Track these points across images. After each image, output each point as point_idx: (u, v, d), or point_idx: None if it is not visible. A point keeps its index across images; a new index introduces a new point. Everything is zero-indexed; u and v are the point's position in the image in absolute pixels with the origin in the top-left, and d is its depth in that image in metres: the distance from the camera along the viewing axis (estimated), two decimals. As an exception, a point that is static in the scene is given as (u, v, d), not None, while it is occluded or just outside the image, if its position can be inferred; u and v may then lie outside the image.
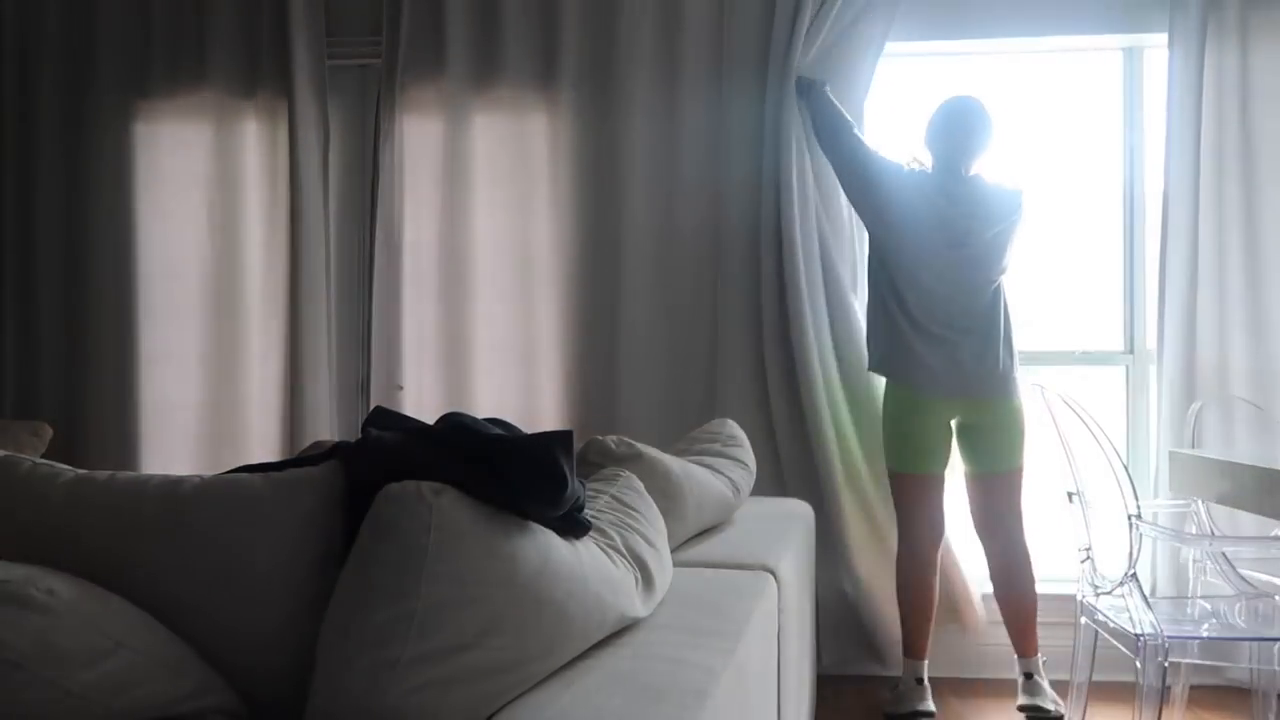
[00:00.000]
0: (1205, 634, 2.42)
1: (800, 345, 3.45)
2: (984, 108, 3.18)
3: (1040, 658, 3.08)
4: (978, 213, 3.11)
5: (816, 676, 3.28)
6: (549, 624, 1.22)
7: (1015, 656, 3.09)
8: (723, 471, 2.57)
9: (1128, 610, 2.40)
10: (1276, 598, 2.61)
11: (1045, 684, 3.05)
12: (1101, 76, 3.72)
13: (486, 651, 1.12)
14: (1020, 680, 3.07)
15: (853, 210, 3.38)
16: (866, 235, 3.30)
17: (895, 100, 3.73)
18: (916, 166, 3.23)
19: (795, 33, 3.43)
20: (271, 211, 3.76)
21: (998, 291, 3.13)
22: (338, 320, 3.80)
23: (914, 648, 3.14)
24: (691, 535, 2.31)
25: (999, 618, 3.19)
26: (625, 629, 1.49)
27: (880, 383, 3.30)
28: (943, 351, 3.06)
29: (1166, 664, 2.29)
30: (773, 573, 2.06)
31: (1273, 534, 2.84)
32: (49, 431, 3.52)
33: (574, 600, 1.27)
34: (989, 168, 3.24)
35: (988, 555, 3.13)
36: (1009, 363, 3.08)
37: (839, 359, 3.45)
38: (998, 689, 3.40)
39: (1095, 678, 2.69)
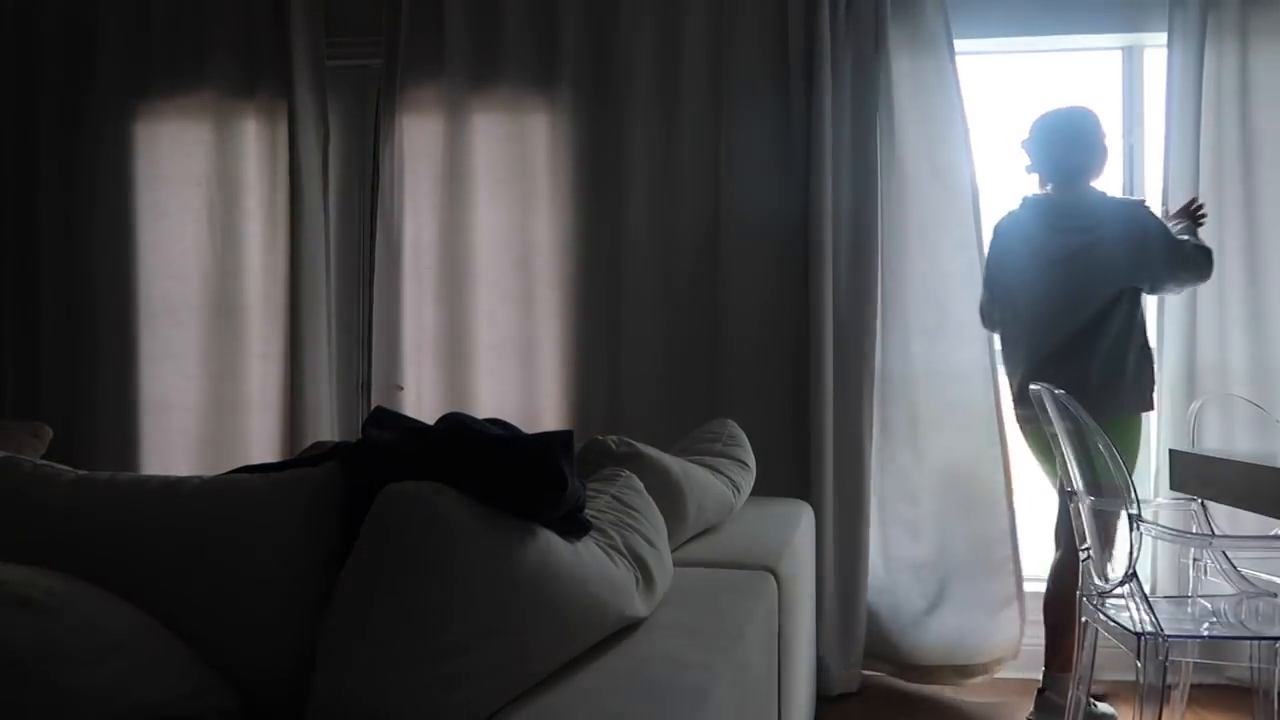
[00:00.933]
0: (1205, 633, 2.42)
1: (802, 345, 3.45)
2: (1082, 119, 3.09)
3: (1074, 675, 2.83)
4: (1086, 226, 3.01)
5: (817, 679, 3.29)
6: (549, 624, 1.22)
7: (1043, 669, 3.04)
8: (723, 471, 2.57)
9: (1128, 609, 2.39)
10: (1277, 597, 2.61)
11: (1063, 704, 2.87)
12: (1101, 76, 3.71)
13: (486, 651, 1.12)
14: (1035, 694, 3.03)
15: (879, 211, 3.43)
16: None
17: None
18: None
19: (819, 32, 3.41)
20: (271, 211, 3.75)
21: (1112, 305, 2.98)
22: (338, 320, 3.80)
23: (1055, 660, 3.01)
24: (691, 535, 2.31)
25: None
26: (625, 629, 1.49)
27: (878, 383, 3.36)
28: (1049, 366, 2.99)
29: (1167, 663, 2.29)
30: (773, 572, 2.06)
31: (1273, 533, 2.84)
32: (49, 432, 3.52)
33: (574, 600, 1.27)
34: (1103, 181, 3.12)
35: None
36: (1112, 376, 2.95)
37: (840, 358, 3.45)
38: (1003, 688, 3.40)
39: (1095, 677, 2.69)
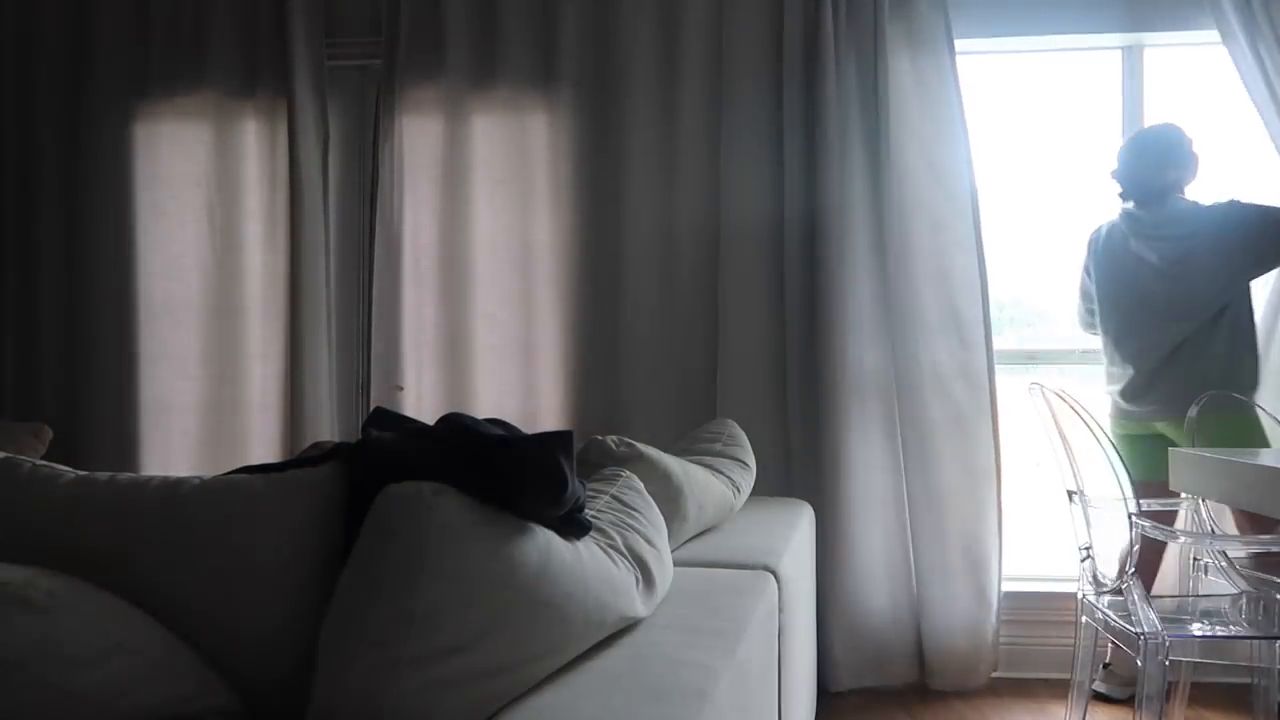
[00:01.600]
0: (1206, 633, 2.42)
1: (801, 344, 3.45)
2: (1166, 136, 3.14)
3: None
4: (1183, 234, 3.06)
5: (818, 680, 3.28)
6: (549, 624, 1.22)
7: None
8: (723, 471, 2.58)
9: (1128, 609, 2.39)
10: (1277, 596, 2.61)
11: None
12: (1101, 76, 3.71)
13: (486, 652, 1.12)
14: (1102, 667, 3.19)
15: (883, 210, 3.42)
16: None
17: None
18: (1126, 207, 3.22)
19: (818, 31, 3.40)
20: (271, 211, 3.75)
21: (1224, 307, 3.03)
22: (338, 320, 3.80)
23: None
24: (692, 535, 2.31)
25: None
26: (625, 629, 1.49)
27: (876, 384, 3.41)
28: (1167, 367, 3.06)
29: (1167, 662, 2.29)
30: (773, 572, 2.06)
31: (1272, 533, 2.84)
32: (49, 433, 3.52)
33: (574, 601, 1.27)
34: (1193, 192, 3.18)
35: None
36: (1233, 374, 3.00)
37: (839, 357, 3.44)
38: (1013, 688, 3.40)
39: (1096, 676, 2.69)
